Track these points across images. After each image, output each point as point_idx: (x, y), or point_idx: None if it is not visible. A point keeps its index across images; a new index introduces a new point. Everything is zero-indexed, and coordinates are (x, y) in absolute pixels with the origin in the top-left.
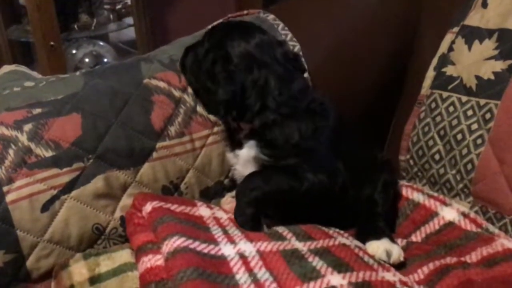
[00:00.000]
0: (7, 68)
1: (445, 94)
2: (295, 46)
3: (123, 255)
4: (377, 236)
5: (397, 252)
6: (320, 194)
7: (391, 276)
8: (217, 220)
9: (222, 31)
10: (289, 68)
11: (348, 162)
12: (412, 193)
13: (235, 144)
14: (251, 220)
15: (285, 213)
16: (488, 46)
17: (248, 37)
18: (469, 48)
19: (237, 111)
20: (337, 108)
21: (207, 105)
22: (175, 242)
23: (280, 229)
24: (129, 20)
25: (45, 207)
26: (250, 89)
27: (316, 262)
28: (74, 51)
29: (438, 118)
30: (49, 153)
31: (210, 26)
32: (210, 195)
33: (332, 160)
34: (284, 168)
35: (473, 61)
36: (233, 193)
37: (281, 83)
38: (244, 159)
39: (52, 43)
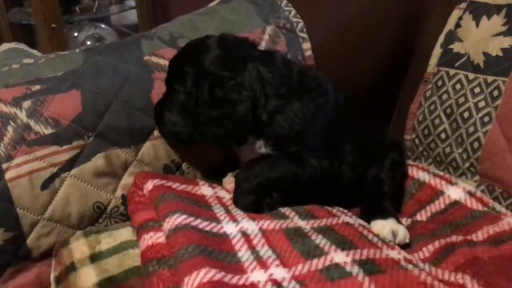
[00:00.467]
0: (6, 46)
1: (452, 72)
2: (298, 22)
3: (124, 233)
4: (383, 216)
5: (403, 233)
6: (324, 178)
7: (395, 254)
8: (219, 199)
9: (185, 65)
10: (263, 50)
11: (355, 141)
12: (418, 172)
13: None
14: (251, 207)
15: (287, 198)
16: (497, 22)
17: (214, 48)
18: (477, 24)
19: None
20: (331, 81)
21: (218, 134)
22: (176, 220)
23: (283, 208)
24: (131, 2)
25: (45, 185)
26: (254, 86)
27: (319, 240)
28: (75, 34)
29: (445, 96)
30: (48, 130)
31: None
32: (213, 175)
33: (335, 143)
34: (288, 155)
35: (481, 38)
36: (235, 173)
37: (267, 64)
38: (249, 152)
39: (53, 25)
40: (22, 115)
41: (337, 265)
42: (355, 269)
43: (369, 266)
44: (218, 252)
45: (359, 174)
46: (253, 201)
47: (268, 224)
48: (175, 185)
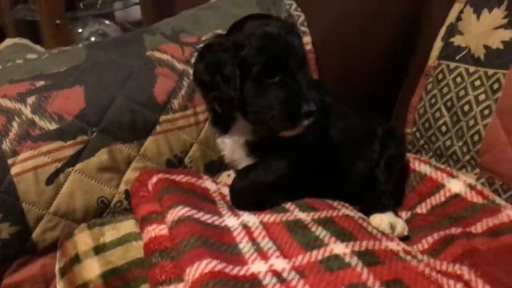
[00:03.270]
0: (10, 41)
1: (452, 65)
2: (299, 16)
3: (128, 225)
4: (381, 210)
5: (401, 226)
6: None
7: (394, 245)
8: (222, 196)
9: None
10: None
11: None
12: (419, 165)
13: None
14: (254, 210)
15: (287, 194)
16: (498, 15)
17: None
18: (478, 17)
19: None
20: None
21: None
22: (179, 211)
23: (284, 203)
24: None
25: (50, 180)
26: None
27: (319, 232)
28: (80, 30)
29: (445, 89)
30: (53, 126)
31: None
32: (215, 169)
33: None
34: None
35: (482, 31)
36: (230, 172)
37: None
38: (232, 145)
39: (57, 21)
40: (26, 111)
41: (336, 256)
42: (354, 260)
43: (368, 257)
44: (220, 244)
45: (347, 164)
46: (254, 208)
47: (269, 217)
48: (179, 177)
